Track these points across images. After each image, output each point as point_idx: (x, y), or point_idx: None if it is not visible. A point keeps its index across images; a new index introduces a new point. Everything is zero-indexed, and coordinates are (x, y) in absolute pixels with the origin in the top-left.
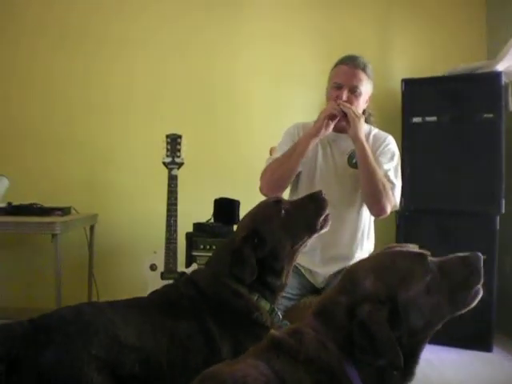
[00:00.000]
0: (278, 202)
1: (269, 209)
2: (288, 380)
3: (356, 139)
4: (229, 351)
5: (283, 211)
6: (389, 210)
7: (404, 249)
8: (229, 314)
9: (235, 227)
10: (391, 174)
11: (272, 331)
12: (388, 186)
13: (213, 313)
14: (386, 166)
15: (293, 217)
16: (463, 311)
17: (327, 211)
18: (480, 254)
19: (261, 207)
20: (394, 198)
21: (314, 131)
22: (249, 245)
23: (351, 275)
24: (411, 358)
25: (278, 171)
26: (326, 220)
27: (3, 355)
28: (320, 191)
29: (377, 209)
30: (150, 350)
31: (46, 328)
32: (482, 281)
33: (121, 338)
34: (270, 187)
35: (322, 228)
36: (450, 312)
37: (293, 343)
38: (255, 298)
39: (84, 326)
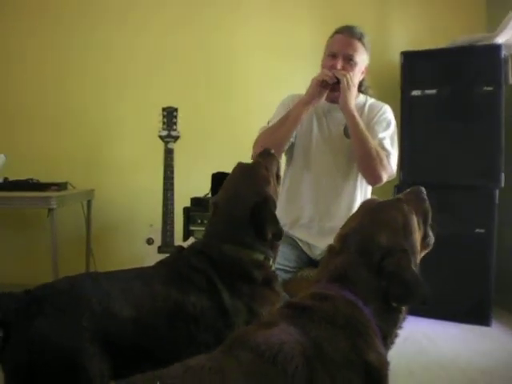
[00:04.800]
0: (258, 163)
1: (256, 170)
2: (326, 346)
3: (345, 108)
4: (244, 323)
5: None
6: (384, 177)
7: (384, 200)
8: (247, 285)
9: None
10: (386, 142)
11: (290, 299)
12: (382, 153)
13: (228, 286)
14: (381, 135)
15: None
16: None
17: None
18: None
19: (246, 170)
20: (390, 165)
21: (306, 98)
22: (258, 209)
23: (358, 237)
24: None
25: (271, 138)
26: None
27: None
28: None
29: (371, 176)
30: (149, 321)
31: (39, 299)
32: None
33: (115, 309)
34: None
35: None
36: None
37: (327, 308)
38: (270, 263)
39: (77, 297)
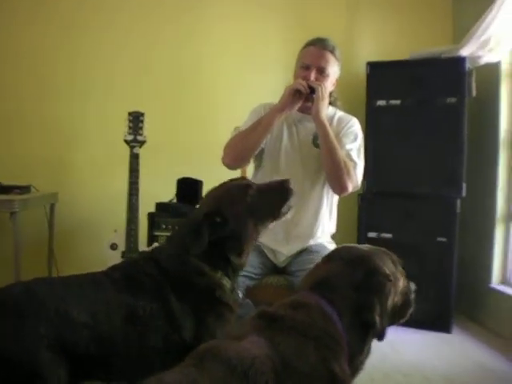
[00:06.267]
0: (247, 186)
1: (236, 192)
2: (294, 359)
3: (316, 117)
4: (191, 329)
5: (249, 196)
6: (350, 187)
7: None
8: (191, 291)
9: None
10: (353, 154)
11: (264, 307)
12: (350, 164)
13: (174, 290)
14: (348, 146)
15: (258, 203)
16: None
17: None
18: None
19: (228, 188)
20: (356, 176)
21: (279, 106)
22: (208, 222)
23: (348, 250)
24: None
25: (242, 143)
26: (288, 207)
27: None
28: (288, 180)
29: (338, 186)
30: (104, 327)
31: None
32: None
33: (72, 316)
34: (232, 158)
35: (283, 215)
36: None
37: (299, 317)
38: (218, 275)
39: (33, 303)
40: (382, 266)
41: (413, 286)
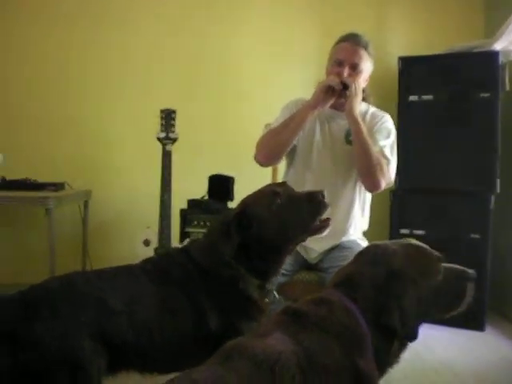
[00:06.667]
0: (274, 193)
1: (263, 198)
2: (319, 355)
3: (350, 114)
4: (215, 319)
5: (275, 205)
6: (383, 185)
7: (424, 246)
8: (216, 282)
9: (229, 204)
10: (387, 150)
11: (289, 303)
12: (383, 161)
13: (202, 280)
14: (381, 143)
15: (286, 213)
16: None
17: (326, 215)
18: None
19: (258, 193)
20: (389, 173)
21: (312, 102)
22: (236, 222)
23: (376, 250)
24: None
25: (274, 140)
26: (324, 225)
27: None
28: (321, 192)
29: (370, 183)
30: (139, 316)
31: (34, 300)
32: None
33: (110, 305)
34: (265, 155)
35: (318, 231)
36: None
37: (322, 314)
38: (243, 270)
39: (73, 294)
40: (405, 267)
41: (471, 274)
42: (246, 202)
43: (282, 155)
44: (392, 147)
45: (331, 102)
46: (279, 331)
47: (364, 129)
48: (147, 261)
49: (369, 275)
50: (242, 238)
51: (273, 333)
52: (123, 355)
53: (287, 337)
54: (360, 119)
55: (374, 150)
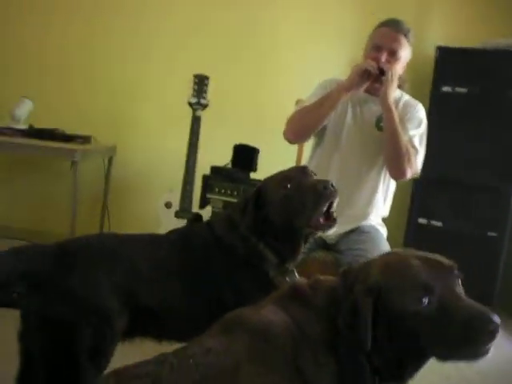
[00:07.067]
0: (285, 178)
1: (276, 181)
2: (303, 325)
3: (384, 101)
4: (230, 291)
5: (283, 189)
6: (409, 174)
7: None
8: (233, 255)
9: (252, 175)
10: (416, 140)
11: (298, 279)
12: (411, 151)
13: (220, 254)
14: (412, 132)
15: (290, 200)
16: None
17: (333, 207)
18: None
19: (276, 175)
20: (416, 164)
21: (346, 84)
22: (254, 201)
23: (384, 256)
24: (397, 365)
25: (306, 118)
26: (329, 224)
27: (29, 273)
28: (326, 182)
29: (397, 171)
30: (163, 283)
31: (73, 252)
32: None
33: (140, 269)
34: (295, 132)
35: (322, 228)
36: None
37: (308, 292)
38: (260, 246)
39: (107, 254)
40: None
41: (493, 318)
42: (263, 182)
43: (311, 134)
44: (421, 137)
45: (365, 85)
46: (274, 304)
47: (396, 117)
48: (172, 231)
49: (356, 275)
50: (259, 216)
51: (268, 305)
52: (144, 319)
53: (279, 308)
54: (393, 107)
55: (404, 139)
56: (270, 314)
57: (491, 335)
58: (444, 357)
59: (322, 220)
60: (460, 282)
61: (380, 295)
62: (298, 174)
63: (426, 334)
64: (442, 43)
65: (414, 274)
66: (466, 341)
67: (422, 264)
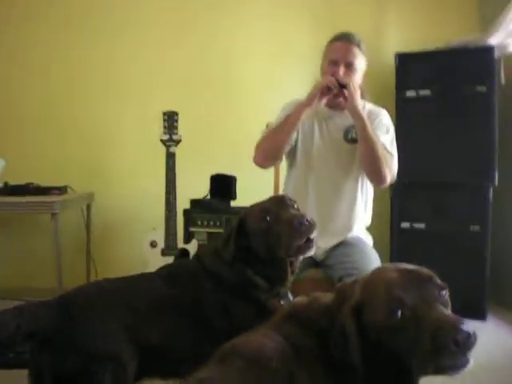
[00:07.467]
0: (263, 210)
1: (256, 212)
2: (299, 345)
3: (354, 111)
4: (222, 320)
5: (264, 222)
6: (389, 179)
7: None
8: (222, 285)
9: (231, 203)
10: (388, 146)
11: (297, 299)
12: (387, 155)
13: (210, 284)
14: (381, 138)
15: (270, 232)
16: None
17: (311, 236)
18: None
19: (255, 206)
20: (393, 167)
21: (306, 101)
22: (236, 231)
23: (371, 275)
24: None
25: (271, 142)
26: (308, 246)
27: (36, 330)
28: (303, 217)
29: (377, 177)
30: (162, 318)
31: (75, 303)
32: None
33: (140, 310)
34: (263, 158)
35: (302, 252)
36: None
37: (304, 311)
38: (248, 273)
39: (109, 300)
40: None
41: (464, 331)
42: (244, 213)
43: (279, 156)
44: (392, 142)
45: (326, 100)
46: (268, 328)
47: (369, 124)
48: (163, 267)
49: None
50: (243, 245)
51: (262, 330)
52: (149, 358)
53: (275, 332)
54: (364, 115)
55: (379, 144)
56: (262, 338)
57: (460, 345)
58: (423, 371)
59: (300, 245)
60: (444, 292)
61: (362, 313)
62: (276, 206)
63: (403, 347)
64: (401, 49)
65: (387, 287)
66: (434, 352)
67: (397, 277)
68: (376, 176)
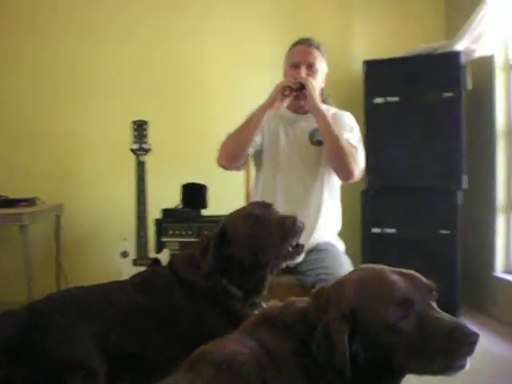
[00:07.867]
0: (248, 215)
1: (239, 218)
2: (272, 349)
3: (315, 109)
4: (193, 327)
5: (248, 226)
6: (356, 172)
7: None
8: (195, 293)
9: (203, 212)
10: (352, 141)
11: (270, 303)
12: (352, 149)
13: (182, 292)
14: (346, 136)
15: (258, 236)
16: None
17: (300, 241)
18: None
19: (240, 211)
20: (359, 161)
21: (268, 102)
22: (216, 240)
23: (353, 273)
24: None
25: (234, 142)
26: (297, 251)
27: (5, 343)
28: (294, 218)
29: (345, 172)
30: (133, 326)
31: (44, 312)
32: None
33: (109, 316)
34: (226, 158)
35: (290, 257)
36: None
37: (277, 315)
38: (224, 282)
39: (79, 307)
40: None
41: (476, 333)
42: (227, 220)
43: (242, 156)
44: (357, 140)
45: (287, 101)
46: (240, 333)
47: (331, 120)
48: (135, 275)
49: (326, 296)
50: (224, 253)
51: (233, 335)
52: (120, 365)
53: (243, 335)
54: (325, 112)
55: (344, 140)
56: (233, 343)
57: (471, 346)
58: (421, 371)
59: (290, 250)
60: (434, 292)
61: (356, 317)
62: (263, 210)
63: (404, 348)
64: (369, 57)
65: (392, 288)
66: (447, 353)
67: (399, 278)
68: (343, 170)
